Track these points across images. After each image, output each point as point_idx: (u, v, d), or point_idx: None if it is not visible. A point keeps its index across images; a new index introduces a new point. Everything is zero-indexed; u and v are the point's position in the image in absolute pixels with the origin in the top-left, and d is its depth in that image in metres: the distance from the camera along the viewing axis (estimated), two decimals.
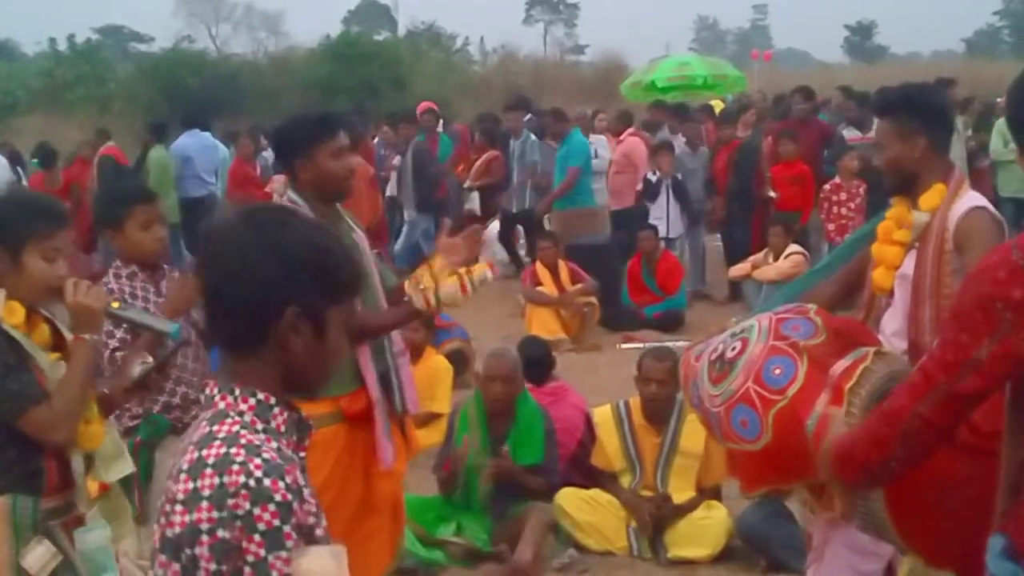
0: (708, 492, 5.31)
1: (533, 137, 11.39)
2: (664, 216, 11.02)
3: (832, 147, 10.72)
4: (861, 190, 10.11)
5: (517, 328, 9.29)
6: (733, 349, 2.81)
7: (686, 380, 2.97)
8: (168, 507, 1.69)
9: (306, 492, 1.73)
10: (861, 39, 62.33)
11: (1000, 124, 10.86)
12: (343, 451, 3.90)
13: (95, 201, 4.93)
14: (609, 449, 5.39)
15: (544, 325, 9.19)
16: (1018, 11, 60.38)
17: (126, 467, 3.20)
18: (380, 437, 3.93)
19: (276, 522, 1.63)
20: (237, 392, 1.78)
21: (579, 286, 9.63)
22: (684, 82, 18.12)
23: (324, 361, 1.85)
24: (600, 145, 11.85)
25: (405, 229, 12.00)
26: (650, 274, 10.29)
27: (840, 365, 2.69)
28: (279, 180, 12.63)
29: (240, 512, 1.62)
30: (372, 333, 3.88)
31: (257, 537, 1.63)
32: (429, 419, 6.78)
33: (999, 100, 14.77)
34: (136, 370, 3.41)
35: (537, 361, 6.08)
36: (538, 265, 9.79)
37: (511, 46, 36.75)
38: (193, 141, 12.45)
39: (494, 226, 12.96)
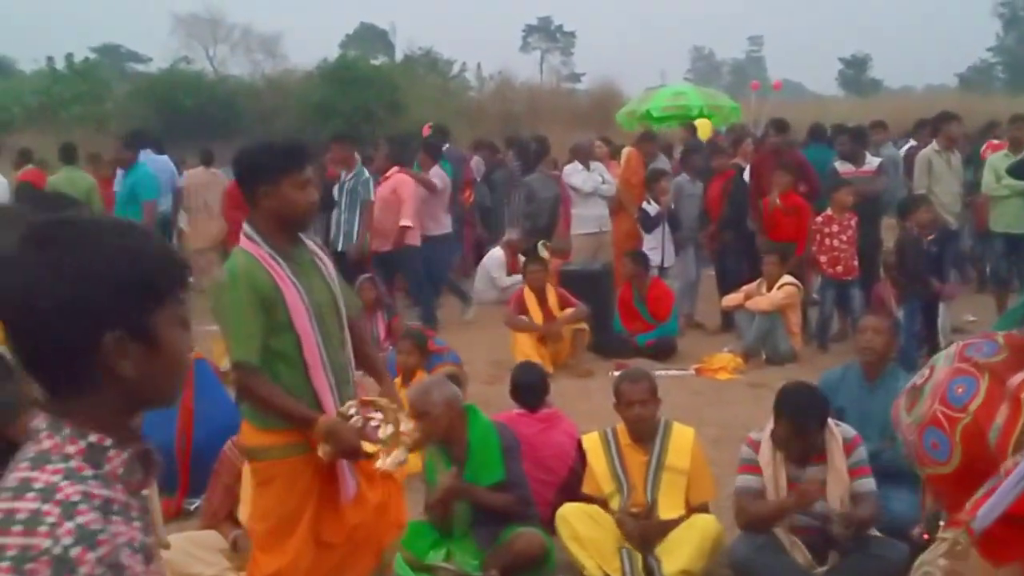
0: (697, 509, 5.30)
1: (367, 173, 10.93)
2: (660, 246, 11.07)
3: (800, 178, 10.73)
4: (853, 223, 10.15)
5: (509, 353, 9.29)
6: (922, 376, 2.87)
7: (896, 423, 3.00)
8: None
9: (124, 554, 1.54)
10: (855, 72, 62.69)
11: (992, 159, 10.90)
12: (312, 479, 3.85)
13: None
14: (598, 472, 5.39)
15: (525, 353, 9.06)
16: (1011, 48, 60.83)
17: None
18: (343, 470, 3.89)
19: None
20: (66, 432, 1.57)
21: (569, 312, 9.58)
22: (679, 112, 18.21)
23: (168, 370, 1.65)
24: (602, 171, 11.92)
25: None
26: (641, 301, 10.30)
27: (1018, 377, 2.69)
28: None
29: None
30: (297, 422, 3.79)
31: None
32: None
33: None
34: None
35: (531, 387, 6.08)
36: (525, 289, 9.73)
37: (508, 73, 36.89)
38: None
39: (489, 257, 12.99)
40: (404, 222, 11.07)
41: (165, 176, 12.59)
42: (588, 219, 11.79)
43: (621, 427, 5.47)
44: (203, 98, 29.04)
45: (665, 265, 11.09)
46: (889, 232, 11.32)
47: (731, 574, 5.11)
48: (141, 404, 1.66)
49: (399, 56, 43.35)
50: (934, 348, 9.17)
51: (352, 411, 3.79)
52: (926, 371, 2.90)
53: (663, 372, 8.67)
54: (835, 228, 10.13)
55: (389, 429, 3.84)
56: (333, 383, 3.84)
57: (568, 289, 9.87)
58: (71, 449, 1.56)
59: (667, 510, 5.25)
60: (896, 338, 6.47)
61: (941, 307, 9.55)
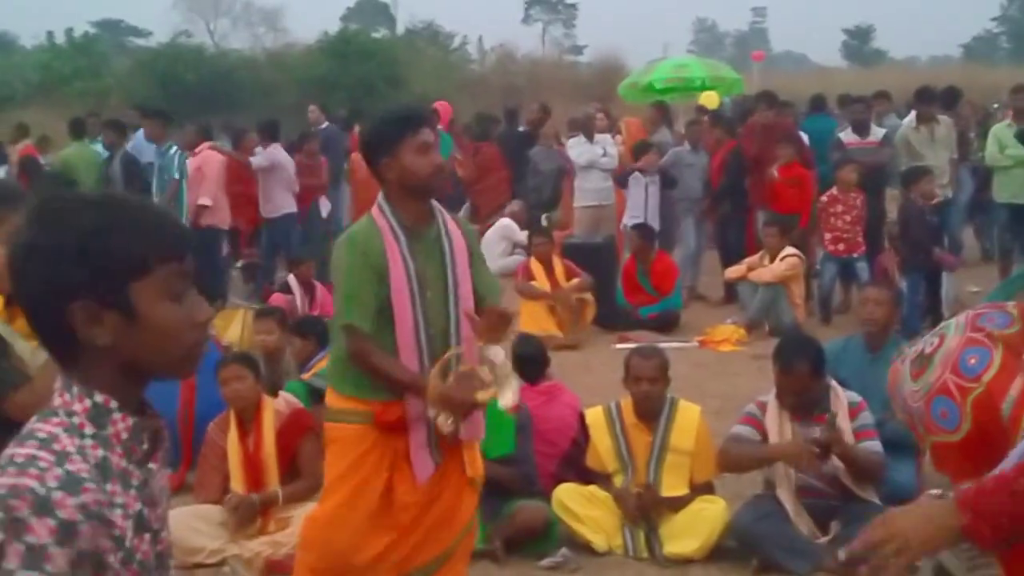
0: (700, 488, 5.31)
1: (175, 148, 10.53)
2: (643, 216, 10.94)
3: (790, 146, 10.69)
4: (859, 201, 10.10)
5: (512, 325, 9.29)
6: (931, 344, 2.86)
7: (892, 386, 3.00)
8: None
9: (114, 513, 1.58)
10: (859, 43, 62.37)
11: (996, 129, 10.86)
12: (369, 452, 3.81)
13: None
14: (601, 450, 5.39)
15: (535, 321, 9.19)
16: (1016, 17, 60.53)
17: None
18: (417, 449, 3.80)
19: (47, 540, 1.49)
20: (75, 390, 1.65)
21: (574, 281, 9.66)
22: (682, 84, 18.08)
23: (155, 340, 1.66)
24: (606, 144, 11.87)
25: None
26: (645, 274, 10.28)
27: None
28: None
29: (17, 515, 1.49)
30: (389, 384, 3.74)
31: (19, 546, 1.48)
32: None
33: (996, 106, 14.78)
34: None
35: (531, 359, 6.07)
36: (532, 260, 9.84)
37: (509, 45, 36.73)
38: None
39: (500, 223, 12.94)
40: (202, 201, 10.60)
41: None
42: (588, 192, 11.78)
43: (626, 403, 5.43)
44: (204, 72, 28.94)
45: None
46: (892, 203, 11.30)
47: (734, 544, 5.12)
48: (140, 373, 1.70)
49: (400, 29, 43.21)
50: (937, 319, 9.16)
51: (438, 376, 3.63)
52: (935, 339, 2.89)
53: (666, 344, 8.67)
54: (839, 208, 10.10)
55: (485, 369, 3.71)
56: (426, 364, 3.74)
57: (572, 261, 9.90)
58: (77, 407, 1.64)
59: (670, 490, 5.26)
60: (898, 309, 6.45)
61: (944, 277, 9.54)
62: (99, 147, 12.82)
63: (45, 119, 21.62)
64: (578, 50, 55.49)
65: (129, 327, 1.63)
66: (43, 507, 1.50)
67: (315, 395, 5.92)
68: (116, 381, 1.66)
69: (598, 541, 5.20)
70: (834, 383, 5.13)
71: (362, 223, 3.83)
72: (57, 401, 1.66)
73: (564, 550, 5.15)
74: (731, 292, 10.80)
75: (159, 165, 10.30)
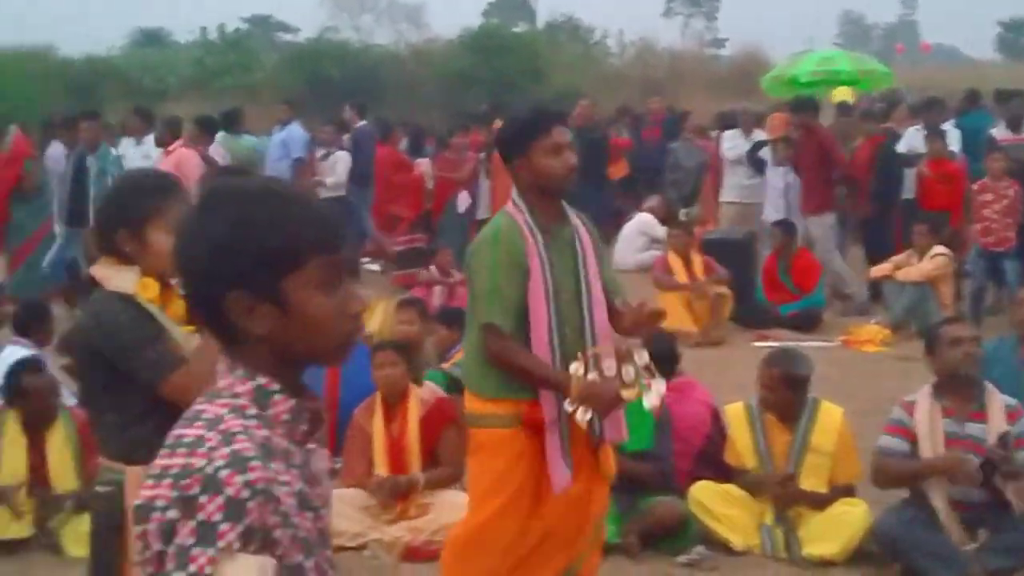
0: (841, 490, 5.22)
1: (113, 152, 10.62)
2: (783, 209, 10.72)
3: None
4: (1010, 191, 9.73)
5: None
6: None
7: None
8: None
9: (280, 490, 1.62)
10: (1015, 36, 59.91)
11: None
12: (519, 458, 3.75)
13: None
14: (740, 446, 5.34)
15: (671, 315, 8.98)
16: None
17: None
18: (552, 456, 3.73)
19: (217, 516, 1.53)
20: (239, 373, 1.70)
21: (712, 276, 9.61)
22: (827, 77, 17.67)
23: (308, 330, 1.69)
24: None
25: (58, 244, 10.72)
26: (786, 272, 10.11)
27: None
28: (426, 164, 12.84)
29: (189, 494, 1.54)
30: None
31: (192, 524, 1.53)
32: None
33: None
34: None
35: (662, 356, 6.00)
36: (670, 254, 9.80)
37: (649, 39, 36.37)
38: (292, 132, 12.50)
39: (639, 218, 12.78)
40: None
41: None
42: (734, 187, 11.73)
43: None
44: (348, 68, 29.46)
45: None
46: None
47: (876, 548, 5.01)
48: (296, 359, 1.73)
49: (540, 23, 43.23)
50: None
51: (581, 371, 3.62)
52: None
53: (807, 343, 8.53)
54: (989, 197, 9.75)
55: (631, 369, 3.67)
56: (558, 365, 3.71)
57: (710, 257, 9.81)
58: (240, 388, 1.68)
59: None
60: None
61: None
62: (252, 139, 13.18)
63: (198, 112, 22.37)
64: (719, 43, 54.62)
65: (283, 318, 1.66)
66: (212, 485, 1.54)
67: (455, 384, 6.01)
68: (275, 366, 1.70)
69: (735, 540, 5.15)
70: (989, 384, 4.96)
71: (502, 220, 3.79)
72: (222, 383, 1.70)
73: (700, 547, 5.11)
74: (876, 291, 10.54)
75: (97, 169, 10.31)
